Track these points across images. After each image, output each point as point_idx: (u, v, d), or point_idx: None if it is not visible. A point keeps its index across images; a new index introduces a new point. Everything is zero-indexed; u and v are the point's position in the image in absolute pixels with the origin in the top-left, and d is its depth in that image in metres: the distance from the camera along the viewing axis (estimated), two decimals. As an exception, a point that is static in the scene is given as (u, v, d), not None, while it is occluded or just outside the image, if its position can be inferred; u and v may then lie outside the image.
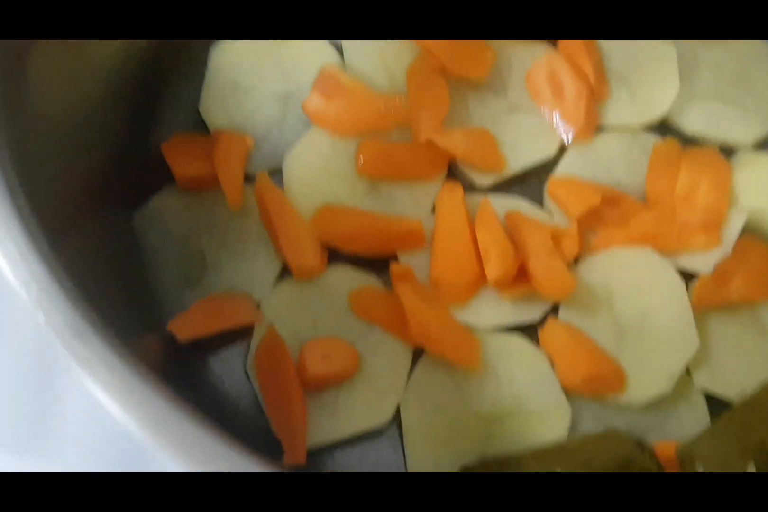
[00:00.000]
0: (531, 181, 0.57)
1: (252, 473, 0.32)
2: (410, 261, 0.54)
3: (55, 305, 0.32)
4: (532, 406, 0.51)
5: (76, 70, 0.47)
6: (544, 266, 0.51)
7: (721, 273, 0.54)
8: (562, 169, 0.57)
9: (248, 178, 0.54)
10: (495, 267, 0.51)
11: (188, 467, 0.31)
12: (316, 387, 0.51)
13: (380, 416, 0.51)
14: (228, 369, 0.53)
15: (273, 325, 0.51)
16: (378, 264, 0.54)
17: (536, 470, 0.47)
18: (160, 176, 0.53)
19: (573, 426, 0.52)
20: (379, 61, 0.56)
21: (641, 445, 0.48)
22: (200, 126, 0.56)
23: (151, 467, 0.51)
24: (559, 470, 0.47)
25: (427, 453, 0.51)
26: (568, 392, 0.52)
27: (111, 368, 0.32)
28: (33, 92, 0.39)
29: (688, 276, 0.54)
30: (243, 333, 0.53)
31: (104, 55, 0.50)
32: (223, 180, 0.51)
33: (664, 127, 0.59)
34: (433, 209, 0.55)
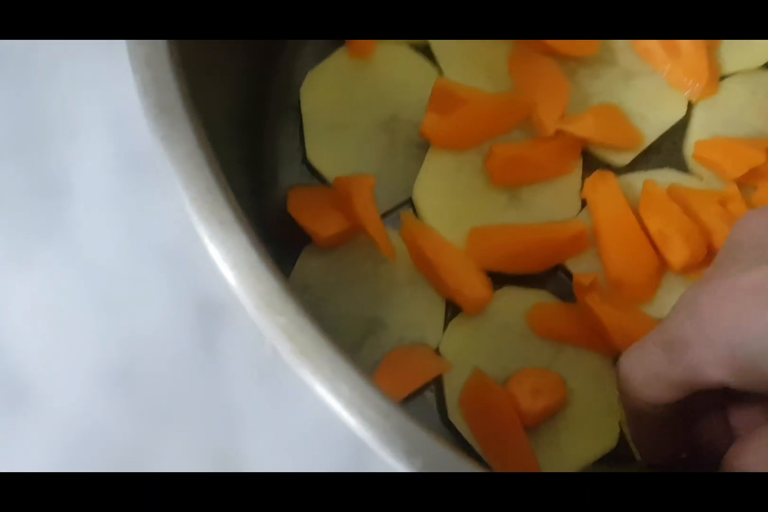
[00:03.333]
0: (667, 148, 0.52)
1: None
2: (580, 267, 0.49)
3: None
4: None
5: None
6: (731, 238, 0.47)
7: None
8: (697, 128, 0.52)
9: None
10: (681, 251, 0.47)
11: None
12: (532, 424, 0.47)
13: (607, 440, 0.47)
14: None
15: (479, 369, 0.46)
16: (540, 277, 0.50)
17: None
18: (294, 240, 0.48)
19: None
20: (474, 58, 0.51)
21: None
22: (305, 176, 0.51)
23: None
24: None
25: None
26: None
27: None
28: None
29: None
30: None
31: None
32: (371, 231, 0.45)
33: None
34: (583, 204, 0.50)
